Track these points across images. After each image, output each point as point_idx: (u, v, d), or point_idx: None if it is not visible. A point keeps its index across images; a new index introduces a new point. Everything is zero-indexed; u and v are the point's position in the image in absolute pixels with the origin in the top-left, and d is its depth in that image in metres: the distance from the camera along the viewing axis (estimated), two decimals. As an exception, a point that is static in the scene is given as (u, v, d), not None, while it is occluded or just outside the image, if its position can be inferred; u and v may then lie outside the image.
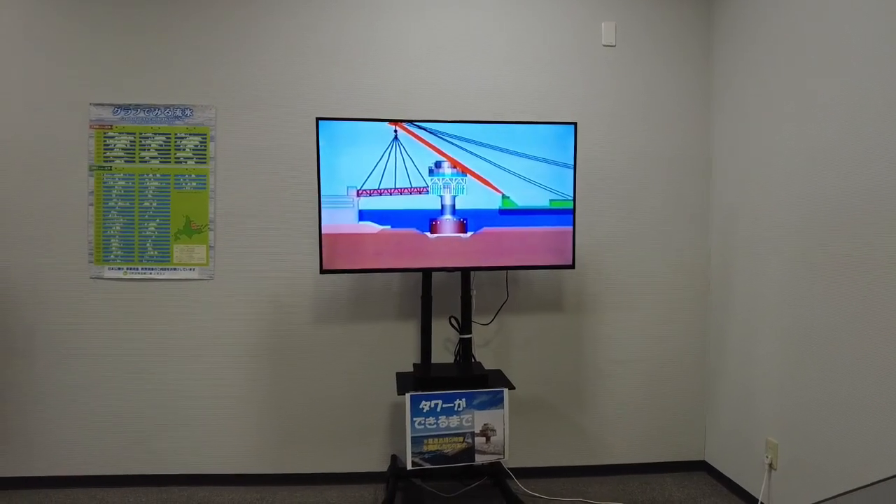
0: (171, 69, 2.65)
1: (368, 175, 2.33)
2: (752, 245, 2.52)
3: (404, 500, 2.58)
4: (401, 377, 2.48)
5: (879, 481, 1.82)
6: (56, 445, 2.64)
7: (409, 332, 2.76)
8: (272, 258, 2.69)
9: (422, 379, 2.36)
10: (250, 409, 2.71)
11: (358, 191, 2.33)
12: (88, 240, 2.63)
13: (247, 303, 2.69)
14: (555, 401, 2.84)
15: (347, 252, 2.35)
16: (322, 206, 2.32)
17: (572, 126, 2.45)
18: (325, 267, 2.35)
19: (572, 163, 2.45)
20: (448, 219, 2.39)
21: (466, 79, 2.75)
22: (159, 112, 2.64)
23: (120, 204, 2.64)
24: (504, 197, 2.41)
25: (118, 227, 2.64)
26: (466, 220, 2.40)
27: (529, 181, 2.43)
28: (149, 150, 2.64)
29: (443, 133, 2.38)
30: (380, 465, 2.76)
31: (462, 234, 2.40)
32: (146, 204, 2.65)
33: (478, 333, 2.74)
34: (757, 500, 2.41)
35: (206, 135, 2.66)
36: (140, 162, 2.64)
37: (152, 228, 2.65)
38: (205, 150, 2.66)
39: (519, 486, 2.69)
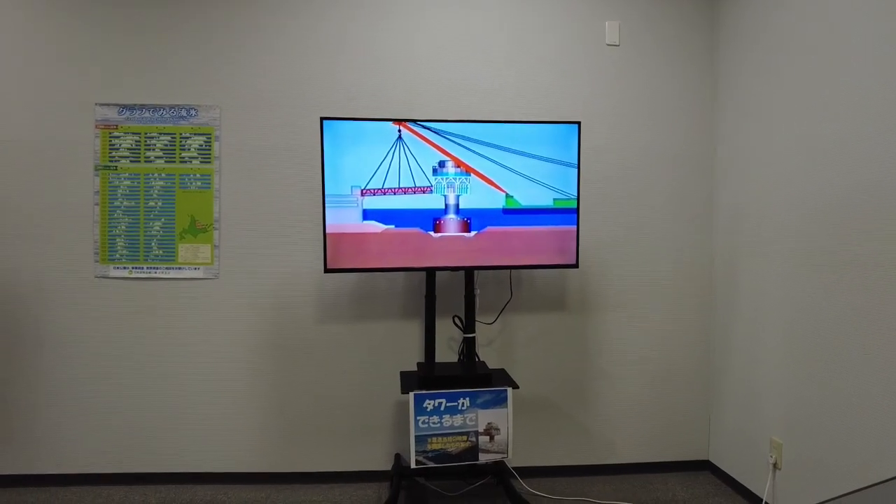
0: (176, 69, 2.66)
1: (372, 174, 2.34)
2: (757, 244, 2.51)
3: (408, 499, 2.58)
4: (405, 376, 2.49)
5: (884, 481, 1.82)
6: (61, 443, 2.65)
7: (413, 332, 2.76)
8: (277, 257, 2.70)
9: (426, 378, 2.37)
10: (255, 408, 2.72)
11: (362, 190, 2.34)
12: (94, 239, 2.65)
13: (251, 302, 2.70)
14: (558, 400, 2.84)
15: (351, 251, 2.35)
16: (326, 205, 2.33)
17: (576, 125, 2.45)
18: (329, 266, 2.36)
19: (576, 162, 2.45)
20: (452, 218, 2.39)
21: (470, 78, 2.75)
22: (164, 112, 2.65)
23: (125, 203, 2.65)
24: (508, 196, 2.42)
25: (123, 227, 2.65)
26: (470, 220, 2.40)
27: (533, 180, 2.43)
28: (154, 149, 2.66)
29: (446, 132, 2.38)
30: (384, 463, 2.76)
31: (466, 234, 2.40)
32: (151, 203, 2.66)
33: (481, 333, 2.74)
34: (761, 500, 2.41)
35: (210, 135, 2.67)
36: (145, 162, 2.65)
37: (157, 228, 2.66)
38: (209, 149, 2.67)
39: (523, 485, 2.69)
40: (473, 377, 2.37)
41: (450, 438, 2.27)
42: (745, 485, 2.58)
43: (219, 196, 2.68)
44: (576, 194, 2.46)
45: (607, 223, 2.82)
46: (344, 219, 2.34)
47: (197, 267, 2.68)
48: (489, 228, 2.41)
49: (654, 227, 2.85)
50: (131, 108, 2.64)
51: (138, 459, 2.68)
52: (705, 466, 2.90)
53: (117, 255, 2.65)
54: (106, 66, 2.64)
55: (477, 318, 2.61)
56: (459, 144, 2.38)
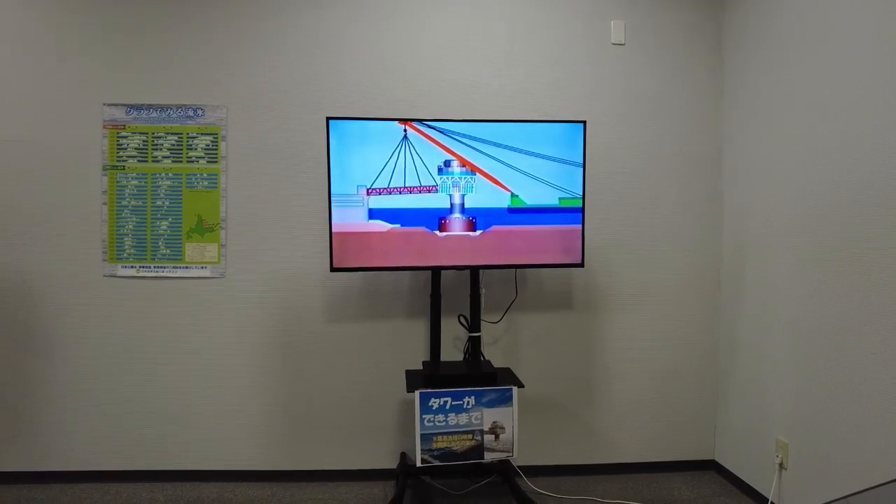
0: (183, 69, 2.68)
1: (378, 174, 2.35)
2: (763, 242, 2.51)
3: (414, 498, 2.59)
4: (410, 375, 2.50)
5: (892, 481, 1.81)
6: (69, 440, 2.68)
7: (418, 331, 2.77)
8: (283, 256, 2.71)
9: (431, 377, 2.37)
10: (261, 406, 2.73)
11: (368, 189, 2.35)
12: (102, 238, 2.67)
13: (257, 301, 2.71)
14: (564, 399, 2.84)
15: (357, 250, 2.36)
16: (332, 204, 2.34)
17: (581, 125, 2.45)
18: (335, 265, 2.37)
19: (581, 161, 2.45)
20: (457, 217, 2.40)
21: (475, 77, 2.76)
22: (171, 112, 2.67)
23: (133, 203, 2.67)
24: (513, 195, 2.42)
25: (131, 226, 2.67)
26: (475, 219, 2.41)
27: (538, 179, 2.43)
28: (161, 149, 2.67)
29: (452, 132, 2.38)
30: (389, 462, 2.77)
31: (471, 233, 2.41)
32: (159, 203, 2.68)
33: (487, 332, 2.74)
34: (767, 500, 2.40)
35: (217, 134, 2.69)
36: (153, 161, 2.67)
37: (165, 227, 2.68)
38: (216, 149, 2.69)
39: (528, 484, 2.69)
40: (479, 376, 2.37)
41: (455, 437, 2.27)
42: (752, 485, 2.57)
43: (225, 195, 2.69)
44: (581, 193, 2.46)
45: (613, 222, 2.82)
46: (350, 218, 2.35)
47: (204, 266, 2.69)
48: (494, 227, 2.42)
49: (660, 226, 2.84)
50: (139, 108, 2.66)
51: (146, 457, 2.70)
52: (711, 466, 2.89)
53: (125, 254, 2.67)
54: (114, 66, 2.65)
55: (482, 318, 2.61)
56: (465, 144, 2.39)
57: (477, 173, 2.40)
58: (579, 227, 2.46)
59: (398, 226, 2.37)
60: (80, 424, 2.68)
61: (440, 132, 2.38)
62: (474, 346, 2.54)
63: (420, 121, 2.37)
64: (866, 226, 1.93)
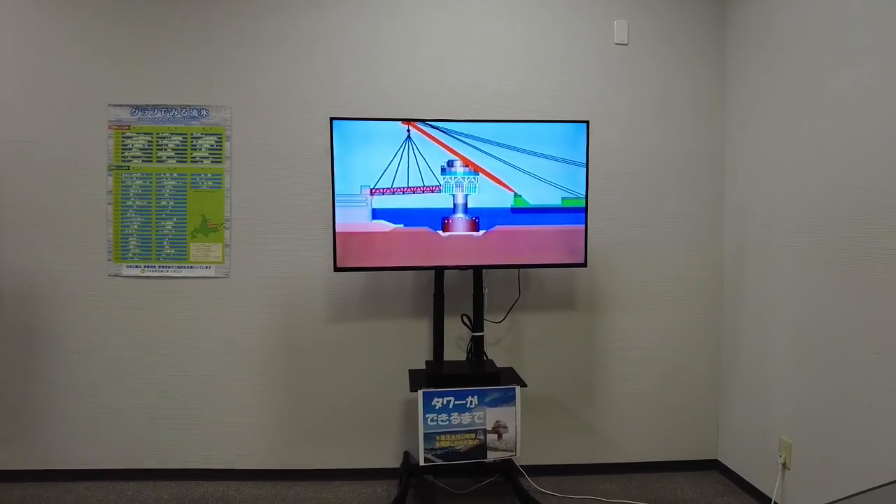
0: (187, 70, 2.69)
1: (381, 174, 2.35)
2: (766, 243, 2.51)
3: (417, 497, 2.60)
4: (413, 374, 2.51)
5: (895, 481, 1.81)
6: (75, 439, 2.69)
7: (421, 330, 2.78)
8: (287, 256, 2.72)
9: (434, 376, 2.38)
10: (265, 405, 2.74)
11: (371, 190, 2.36)
12: (107, 238, 2.68)
13: (261, 300, 2.72)
14: (567, 399, 2.85)
15: (361, 250, 2.37)
16: (336, 204, 2.35)
17: (584, 125, 2.45)
18: (338, 265, 2.38)
19: (584, 161, 2.45)
20: (460, 217, 2.41)
21: (477, 78, 2.76)
22: (176, 112, 2.68)
23: (138, 203, 2.68)
24: (516, 195, 2.42)
25: (136, 226, 2.69)
26: (478, 219, 2.41)
27: (541, 180, 2.43)
28: (166, 149, 2.69)
29: (455, 132, 2.39)
30: (393, 461, 2.78)
31: (474, 233, 2.41)
32: (163, 203, 2.69)
33: (490, 331, 2.75)
34: (770, 500, 2.40)
35: (221, 135, 2.70)
36: (157, 161, 2.69)
37: (169, 227, 2.69)
38: (220, 149, 2.70)
39: (531, 483, 2.70)
40: (482, 375, 2.38)
41: (458, 436, 2.28)
42: (755, 484, 2.57)
43: (230, 195, 2.71)
44: (584, 193, 2.46)
45: (616, 222, 2.82)
46: (353, 218, 2.36)
47: (208, 266, 2.70)
48: (497, 227, 2.42)
49: (663, 226, 2.84)
50: (143, 108, 2.67)
51: (150, 455, 2.72)
52: (714, 466, 2.89)
53: (130, 254, 2.69)
54: (118, 67, 2.67)
55: (485, 317, 2.62)
56: (468, 144, 2.39)
57: (480, 173, 2.40)
58: (582, 227, 2.47)
59: (401, 226, 2.38)
60: (85, 423, 2.69)
61: (443, 132, 2.39)
62: (477, 345, 2.54)
63: (423, 121, 2.38)
64: (868, 226, 1.93)
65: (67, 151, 2.66)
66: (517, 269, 2.74)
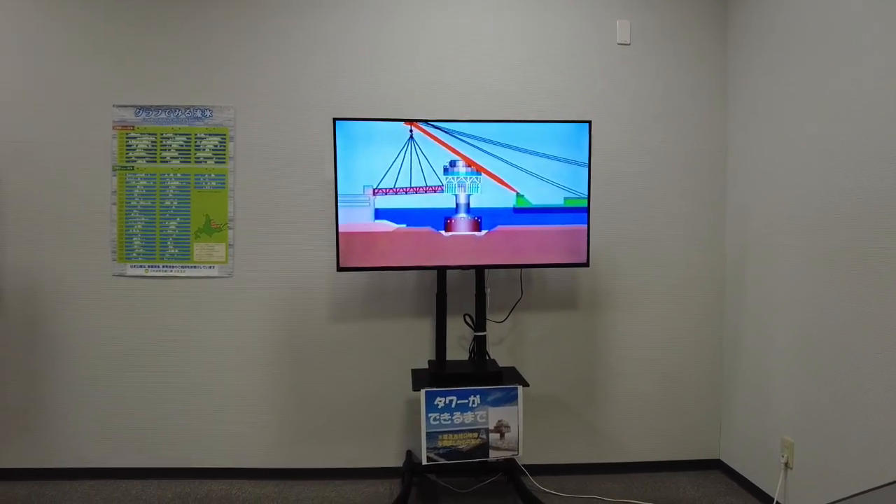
0: (191, 71, 2.70)
1: (384, 174, 2.36)
2: (768, 243, 2.51)
3: (419, 495, 2.61)
4: (416, 374, 2.51)
5: (897, 481, 1.82)
6: (79, 438, 2.71)
7: (424, 330, 2.78)
8: (290, 256, 2.73)
9: (437, 375, 2.39)
10: (268, 405, 2.76)
11: (374, 190, 2.37)
12: (111, 238, 2.70)
13: (265, 300, 2.73)
14: (569, 398, 2.85)
15: (364, 250, 2.38)
16: (339, 204, 2.36)
17: (587, 125, 2.46)
18: (341, 265, 2.39)
19: (587, 161, 2.46)
20: (463, 217, 2.41)
21: (479, 78, 2.77)
22: (180, 113, 2.70)
23: (142, 203, 2.70)
24: (518, 195, 2.43)
25: (140, 226, 2.70)
26: (481, 219, 2.42)
27: (544, 179, 2.44)
28: (170, 150, 2.70)
29: (458, 132, 2.40)
30: (395, 460, 2.79)
31: (476, 233, 2.42)
32: (167, 203, 2.70)
33: (492, 331, 2.76)
34: (773, 500, 2.40)
35: (225, 135, 2.71)
36: (161, 162, 2.70)
37: (173, 227, 2.71)
38: (224, 150, 2.71)
39: (533, 482, 2.70)
40: (484, 375, 2.38)
41: (460, 435, 2.29)
42: (757, 484, 2.57)
43: (233, 196, 2.72)
44: (586, 193, 2.46)
45: (618, 222, 2.83)
46: (356, 218, 2.37)
47: (212, 266, 2.72)
48: (500, 227, 2.43)
49: (665, 226, 2.84)
50: (147, 109, 2.69)
51: (155, 454, 2.73)
52: (716, 465, 2.89)
53: (134, 254, 2.70)
54: (123, 68, 2.68)
55: (487, 317, 2.62)
56: (470, 144, 2.40)
57: (482, 173, 2.41)
58: (584, 226, 2.47)
59: (404, 226, 2.39)
60: (90, 421, 2.71)
61: (446, 132, 2.39)
62: (479, 345, 2.55)
63: (426, 121, 2.39)
64: (870, 226, 1.93)
65: (71, 152, 2.67)
66: (519, 269, 2.75)
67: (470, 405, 2.30)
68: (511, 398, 2.32)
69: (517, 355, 2.82)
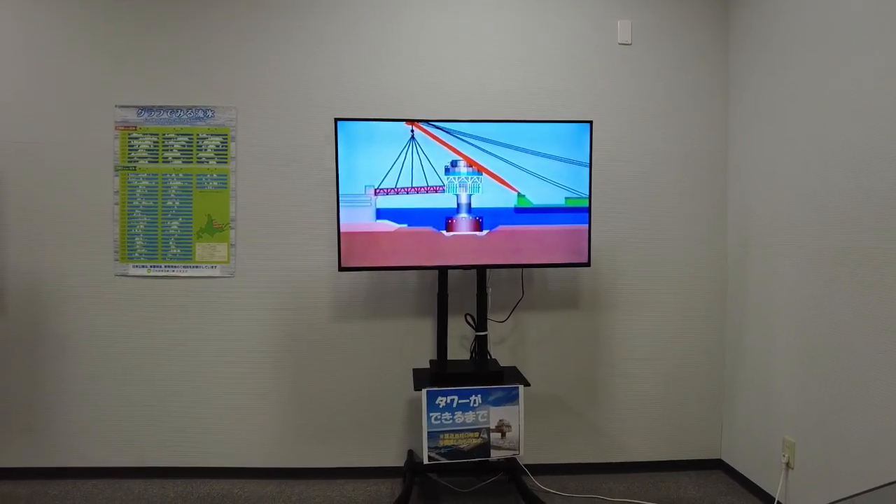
0: (193, 71, 2.71)
1: (386, 174, 2.37)
2: (769, 243, 2.51)
3: (420, 495, 2.61)
4: (417, 373, 2.52)
5: (898, 480, 1.81)
6: (82, 437, 2.71)
7: (425, 329, 2.79)
8: (292, 256, 2.74)
9: (438, 375, 2.39)
10: (269, 404, 2.76)
11: (375, 190, 2.37)
12: (114, 238, 2.70)
13: (266, 300, 2.74)
14: (570, 398, 2.85)
15: (365, 250, 2.39)
16: (340, 204, 2.36)
17: (588, 125, 2.46)
18: (343, 264, 2.39)
19: (588, 161, 2.46)
20: (464, 217, 2.42)
21: (481, 78, 2.77)
22: (182, 113, 2.70)
23: (144, 203, 2.71)
24: (519, 195, 2.43)
25: (142, 226, 2.71)
26: (482, 219, 2.42)
27: (545, 179, 2.44)
28: (172, 150, 2.71)
29: (459, 132, 2.40)
30: (397, 459, 2.79)
31: (478, 233, 2.42)
32: (169, 203, 2.71)
33: (493, 331, 2.76)
34: (774, 500, 2.40)
35: (227, 135, 2.72)
36: (163, 162, 2.71)
37: (175, 227, 2.71)
38: (226, 150, 2.72)
39: (534, 482, 2.70)
40: (485, 375, 2.39)
41: (462, 435, 2.29)
42: (758, 484, 2.57)
43: (235, 196, 2.72)
44: (587, 193, 2.47)
45: (619, 222, 2.83)
46: (357, 218, 2.37)
47: (214, 265, 2.72)
48: (501, 227, 2.43)
49: (666, 226, 2.84)
50: (150, 109, 2.70)
51: (157, 454, 2.74)
52: (718, 465, 2.89)
53: (136, 254, 2.71)
54: (125, 69, 2.69)
55: (489, 317, 2.63)
56: (472, 144, 2.40)
57: (483, 173, 2.41)
58: (585, 226, 2.47)
59: (405, 226, 2.39)
60: (92, 421, 2.72)
61: (447, 132, 2.40)
62: (481, 344, 2.55)
63: (427, 121, 2.39)
64: (871, 227, 1.93)
65: (74, 152, 2.68)
66: (520, 269, 2.75)
67: (471, 405, 2.30)
68: (512, 398, 2.33)
69: (518, 355, 2.83)
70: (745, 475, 2.68)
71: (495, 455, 2.31)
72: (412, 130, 2.38)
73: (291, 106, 2.73)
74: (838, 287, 2.09)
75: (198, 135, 2.71)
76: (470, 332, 2.68)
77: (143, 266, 2.71)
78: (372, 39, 2.75)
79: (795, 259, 2.33)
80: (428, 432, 2.27)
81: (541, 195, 2.44)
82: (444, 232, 2.41)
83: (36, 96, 2.67)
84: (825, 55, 2.16)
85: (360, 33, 2.74)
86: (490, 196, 2.42)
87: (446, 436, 2.28)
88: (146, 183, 2.71)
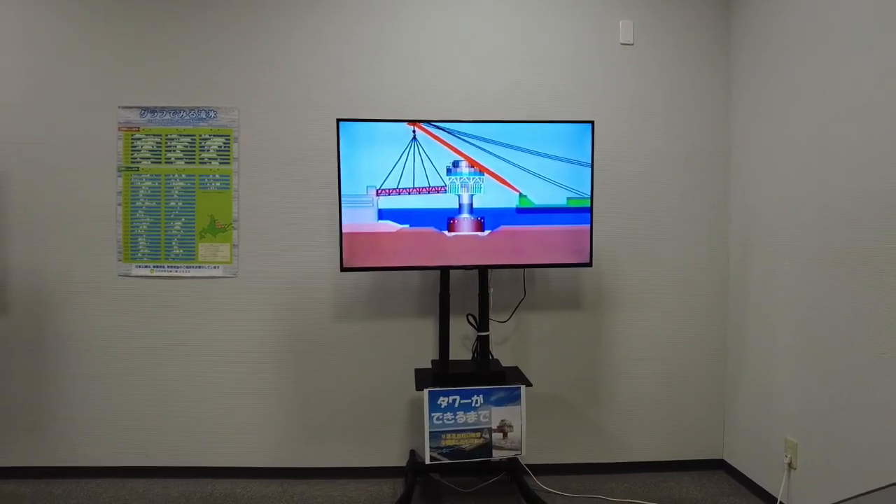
0: (196, 72, 2.72)
1: (387, 175, 2.37)
2: (771, 243, 2.51)
3: (422, 495, 2.61)
4: (419, 373, 2.52)
5: (900, 481, 1.81)
6: (84, 437, 2.72)
7: (427, 330, 2.79)
8: (294, 256, 2.75)
9: (440, 375, 2.40)
10: (272, 404, 2.77)
11: (377, 190, 2.37)
12: (117, 238, 2.71)
13: (269, 300, 2.75)
14: (572, 398, 2.85)
15: (367, 250, 2.39)
16: (342, 205, 2.37)
17: (590, 125, 2.46)
18: (345, 265, 2.40)
19: (590, 161, 2.46)
20: (465, 217, 2.42)
21: (482, 78, 2.77)
22: (184, 114, 2.71)
23: (147, 203, 2.72)
24: (521, 196, 2.43)
25: (145, 226, 2.72)
26: (484, 219, 2.43)
27: (547, 180, 2.44)
28: (174, 151, 2.72)
29: (461, 133, 2.40)
30: (399, 459, 2.80)
31: (479, 233, 2.43)
32: (172, 203, 2.72)
33: (495, 331, 2.76)
34: (776, 500, 2.40)
35: (229, 136, 2.73)
36: (166, 163, 2.72)
37: (178, 227, 2.72)
38: (228, 150, 2.73)
39: (536, 482, 2.71)
40: (487, 375, 2.39)
41: (464, 435, 2.29)
42: (760, 484, 2.57)
43: (237, 196, 2.73)
44: (589, 193, 2.47)
45: (621, 222, 2.83)
46: (359, 218, 2.38)
47: (216, 266, 2.73)
48: (503, 227, 2.43)
49: (668, 226, 2.84)
50: (152, 110, 2.71)
51: (159, 454, 2.75)
52: (720, 465, 2.89)
53: (139, 254, 2.72)
54: (128, 69, 2.70)
55: (491, 317, 2.63)
56: (473, 144, 2.41)
57: (485, 174, 2.42)
58: (587, 226, 2.48)
59: (407, 226, 2.40)
60: (95, 421, 2.73)
61: (449, 133, 2.40)
62: (483, 345, 2.56)
63: (429, 122, 2.39)
64: (874, 227, 1.93)
65: (76, 153, 2.69)
66: (522, 269, 2.75)
67: (473, 405, 2.30)
68: (514, 398, 2.33)
69: (520, 355, 2.83)
70: (748, 475, 2.68)
71: (497, 455, 2.32)
72: (414, 131, 2.38)
73: (293, 107, 2.74)
74: (839, 287, 2.09)
75: (200, 135, 2.72)
76: (472, 332, 2.69)
77: (146, 266, 2.72)
78: (373, 40, 2.75)
79: (796, 259, 2.33)
80: (430, 432, 2.27)
81: (542, 195, 2.44)
82: (445, 232, 2.41)
83: (39, 97, 2.68)
84: (826, 55, 2.16)
85: (360, 34, 2.75)
86: (492, 196, 2.42)
87: (448, 436, 2.28)
88: (149, 184, 2.72)
